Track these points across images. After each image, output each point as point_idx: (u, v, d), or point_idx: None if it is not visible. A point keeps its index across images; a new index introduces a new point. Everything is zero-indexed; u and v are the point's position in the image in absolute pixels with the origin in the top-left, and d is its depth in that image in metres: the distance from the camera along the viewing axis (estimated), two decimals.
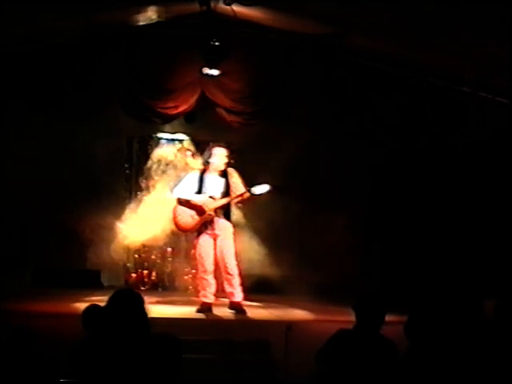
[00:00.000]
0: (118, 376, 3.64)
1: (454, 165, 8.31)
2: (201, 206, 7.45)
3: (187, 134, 10.03)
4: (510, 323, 4.26)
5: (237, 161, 9.95)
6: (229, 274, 7.48)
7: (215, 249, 7.53)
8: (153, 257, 9.75)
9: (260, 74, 8.40)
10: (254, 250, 9.53)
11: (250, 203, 7.89)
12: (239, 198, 7.53)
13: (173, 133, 10.01)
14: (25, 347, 4.39)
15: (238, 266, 7.61)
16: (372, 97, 8.33)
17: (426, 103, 8.31)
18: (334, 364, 4.26)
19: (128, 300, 3.84)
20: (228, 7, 7.29)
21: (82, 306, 4.95)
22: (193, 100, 8.37)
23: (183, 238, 10.06)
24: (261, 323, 7.27)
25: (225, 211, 7.56)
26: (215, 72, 7.87)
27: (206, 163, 7.63)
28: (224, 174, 7.59)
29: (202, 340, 6.61)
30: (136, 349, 3.69)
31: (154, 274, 9.88)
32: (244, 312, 7.50)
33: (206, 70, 7.83)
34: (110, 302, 3.84)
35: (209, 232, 7.53)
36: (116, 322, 3.76)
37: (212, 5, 7.33)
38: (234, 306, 7.54)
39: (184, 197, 7.54)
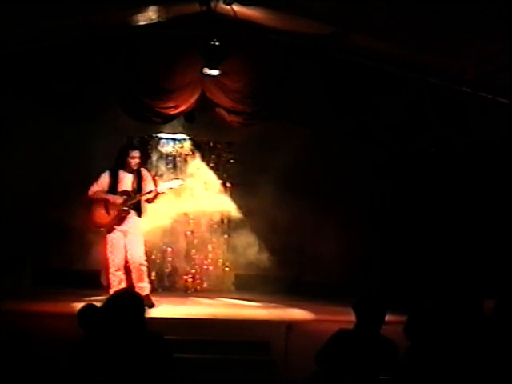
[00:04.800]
0: (116, 375, 3.64)
1: (455, 165, 8.31)
2: (114, 204, 7.84)
3: (187, 134, 10.03)
4: (510, 323, 4.26)
5: (237, 160, 10.02)
6: (139, 269, 7.84)
7: (126, 245, 7.87)
8: (153, 257, 9.73)
9: (260, 74, 8.39)
10: (254, 249, 9.54)
11: (158, 199, 8.13)
12: (149, 195, 7.86)
13: (173, 133, 10.00)
14: (23, 348, 4.38)
15: (147, 261, 8.09)
16: (372, 97, 8.32)
17: (426, 103, 8.30)
18: (334, 364, 4.26)
19: (127, 300, 3.84)
20: (228, 7, 7.29)
21: (81, 306, 4.95)
22: (193, 100, 8.36)
23: (183, 238, 10.07)
24: (261, 323, 7.28)
25: (136, 208, 7.91)
26: (215, 72, 7.87)
27: (120, 163, 7.96)
28: (136, 172, 7.95)
29: (202, 340, 6.62)
30: (135, 348, 3.69)
31: (153, 274, 9.86)
32: (153, 305, 7.72)
33: (206, 70, 7.83)
34: (109, 302, 3.84)
35: (120, 228, 7.87)
36: (115, 322, 3.76)
37: (212, 5, 7.32)
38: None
39: (99, 195, 7.92)
